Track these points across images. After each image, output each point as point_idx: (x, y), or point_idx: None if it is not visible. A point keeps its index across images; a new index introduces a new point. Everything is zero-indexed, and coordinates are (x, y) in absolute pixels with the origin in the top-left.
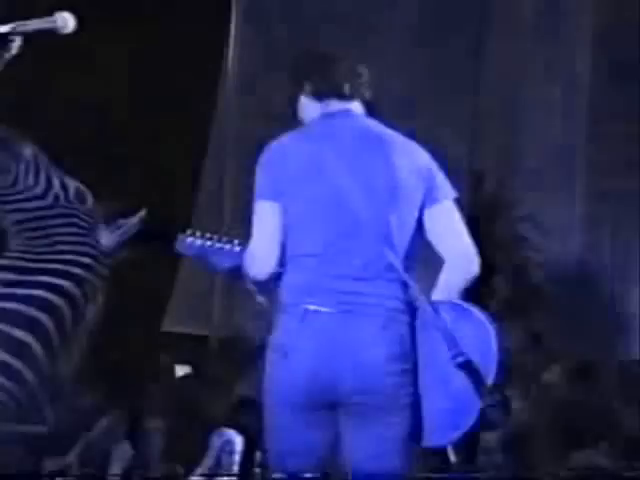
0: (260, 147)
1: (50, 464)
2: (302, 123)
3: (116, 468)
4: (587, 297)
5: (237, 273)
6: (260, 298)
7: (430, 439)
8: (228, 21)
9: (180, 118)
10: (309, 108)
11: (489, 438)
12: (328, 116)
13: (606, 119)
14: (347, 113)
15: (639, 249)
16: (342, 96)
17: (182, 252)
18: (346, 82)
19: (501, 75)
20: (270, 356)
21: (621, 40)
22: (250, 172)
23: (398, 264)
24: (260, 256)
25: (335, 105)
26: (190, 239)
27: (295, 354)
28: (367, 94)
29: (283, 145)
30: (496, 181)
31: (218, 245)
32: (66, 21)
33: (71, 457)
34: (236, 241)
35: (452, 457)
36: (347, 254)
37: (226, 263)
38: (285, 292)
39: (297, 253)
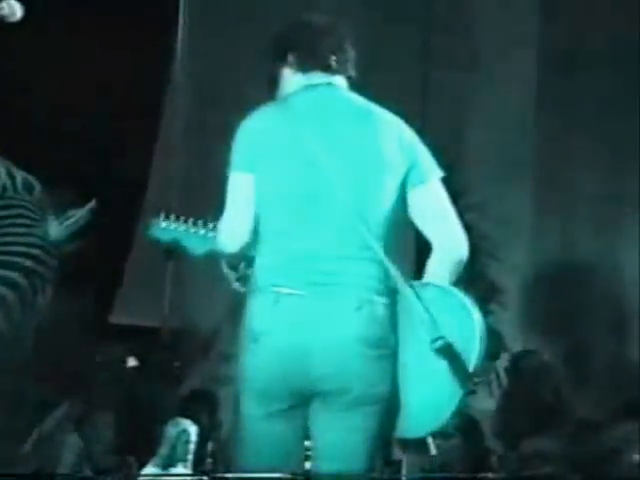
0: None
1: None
2: (277, 96)
3: (67, 460)
4: (539, 287)
5: (213, 258)
6: (236, 284)
7: (409, 430)
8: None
9: (132, 103)
10: (291, 80)
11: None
12: (310, 88)
13: (555, 106)
14: (330, 86)
15: (590, 238)
16: (327, 69)
17: (156, 237)
18: (332, 55)
19: (451, 63)
20: (242, 341)
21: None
22: (200, 159)
23: (375, 244)
24: (232, 227)
25: (318, 78)
26: (164, 223)
27: (265, 338)
28: (351, 70)
29: (261, 117)
30: (444, 169)
31: (193, 229)
32: (13, 9)
33: (26, 448)
34: (211, 225)
35: (432, 449)
36: (320, 233)
37: (201, 248)
38: (257, 274)
39: (268, 231)
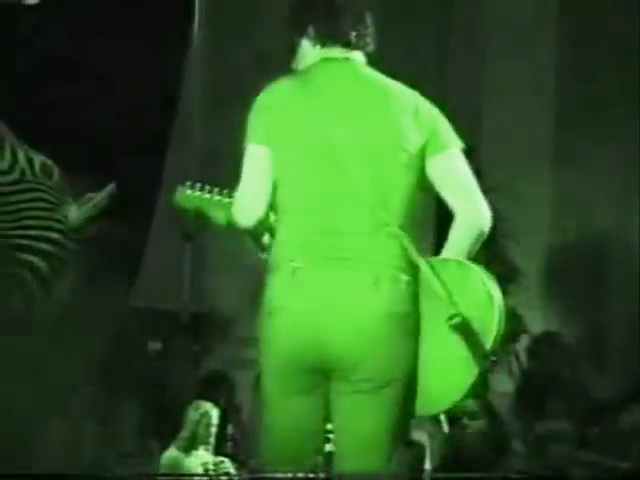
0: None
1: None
2: (294, 66)
3: (88, 444)
4: (558, 268)
5: (236, 228)
6: (261, 254)
7: (425, 408)
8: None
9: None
10: (310, 53)
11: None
12: (327, 62)
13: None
14: (347, 61)
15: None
16: (347, 44)
17: (181, 204)
18: (352, 31)
19: (470, 49)
20: (260, 317)
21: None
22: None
23: (392, 219)
24: (247, 200)
25: (337, 52)
26: (189, 191)
27: (281, 313)
28: (371, 46)
29: (278, 90)
30: (464, 151)
31: (217, 198)
32: None
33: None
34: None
35: (445, 427)
36: (336, 208)
37: (225, 218)
38: (274, 249)
39: (285, 206)
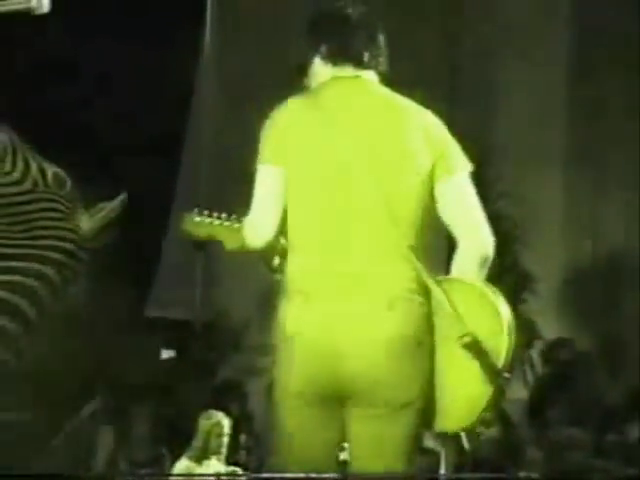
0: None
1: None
2: (304, 84)
3: (101, 454)
4: (572, 274)
5: (247, 251)
6: (278, 275)
7: (443, 426)
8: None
9: (159, 101)
10: (321, 71)
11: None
12: (339, 80)
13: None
14: (358, 79)
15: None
16: (359, 63)
17: (191, 232)
18: (365, 51)
19: (480, 50)
20: (276, 343)
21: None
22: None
23: (405, 240)
24: (258, 221)
25: (348, 71)
26: (198, 218)
27: (296, 339)
28: (383, 65)
29: (290, 110)
30: (475, 158)
31: (227, 223)
32: (41, 1)
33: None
34: (243, 219)
35: (466, 444)
36: (349, 232)
37: (235, 243)
38: (287, 273)
39: (297, 229)
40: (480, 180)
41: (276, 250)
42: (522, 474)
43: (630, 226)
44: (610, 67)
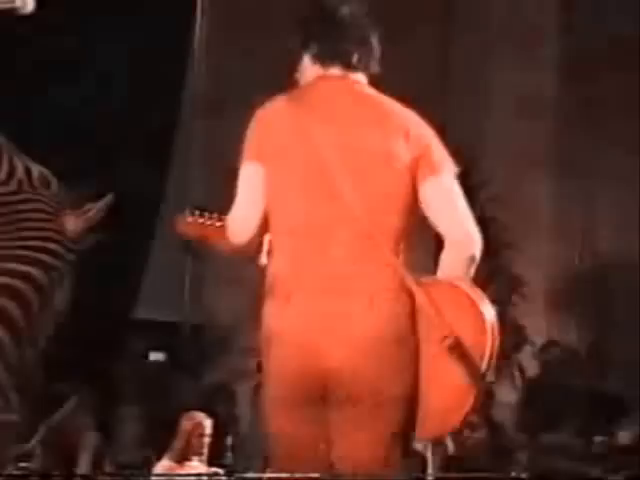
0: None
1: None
2: (294, 80)
3: (85, 456)
4: (561, 277)
5: (240, 252)
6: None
7: (426, 430)
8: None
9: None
10: (309, 70)
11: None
12: (325, 80)
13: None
14: (345, 79)
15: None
16: (347, 64)
17: (183, 232)
18: (354, 52)
19: (470, 59)
20: (260, 342)
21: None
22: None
23: (387, 241)
24: (240, 217)
25: (336, 71)
26: (190, 219)
27: (278, 339)
28: (375, 67)
29: (273, 108)
30: (464, 163)
31: (218, 224)
32: (26, 1)
33: (32, 443)
34: None
35: (450, 447)
36: (329, 232)
37: (228, 243)
38: (269, 273)
39: (279, 229)
40: (469, 184)
41: (260, 248)
42: (512, 474)
43: (619, 229)
44: (600, 70)
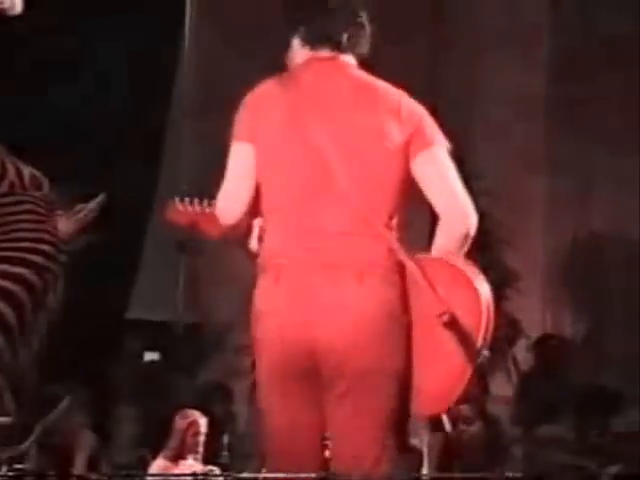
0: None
1: (6, 454)
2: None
3: (81, 457)
4: (555, 271)
5: (230, 239)
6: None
7: (424, 406)
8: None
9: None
10: (299, 53)
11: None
12: (314, 62)
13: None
14: (334, 61)
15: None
16: (336, 47)
17: (174, 220)
18: (343, 32)
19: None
20: (252, 319)
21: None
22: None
23: (379, 218)
24: (230, 196)
25: (325, 53)
26: (181, 206)
27: (268, 314)
28: (365, 47)
29: (263, 90)
30: (457, 157)
31: (208, 210)
32: (14, 2)
33: (27, 444)
34: None
35: (447, 426)
36: (318, 209)
37: (218, 229)
38: (261, 251)
39: (270, 207)
40: (461, 178)
41: (251, 231)
42: (508, 474)
43: (613, 223)
44: (592, 70)
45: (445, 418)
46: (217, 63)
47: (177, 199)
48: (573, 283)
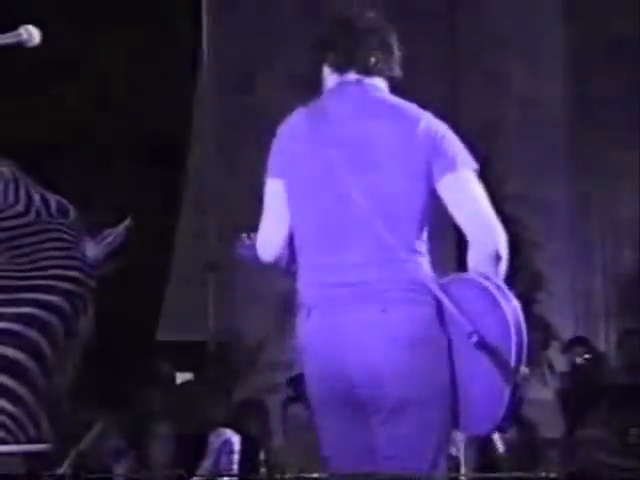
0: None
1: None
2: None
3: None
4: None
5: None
6: None
7: (468, 428)
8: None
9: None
10: (329, 79)
11: None
12: (341, 86)
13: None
14: (359, 84)
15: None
16: (364, 70)
17: (244, 255)
18: (371, 56)
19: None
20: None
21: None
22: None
23: (402, 243)
24: (265, 235)
25: (352, 77)
26: (249, 241)
27: (307, 353)
28: (395, 70)
29: (293, 121)
30: (482, 161)
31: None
32: (31, 34)
33: (64, 469)
34: None
35: (500, 446)
36: (342, 242)
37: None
38: (297, 287)
39: (299, 243)
40: (486, 183)
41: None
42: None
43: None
44: (614, 70)
45: (497, 437)
46: (237, 62)
47: (243, 235)
48: (602, 283)
